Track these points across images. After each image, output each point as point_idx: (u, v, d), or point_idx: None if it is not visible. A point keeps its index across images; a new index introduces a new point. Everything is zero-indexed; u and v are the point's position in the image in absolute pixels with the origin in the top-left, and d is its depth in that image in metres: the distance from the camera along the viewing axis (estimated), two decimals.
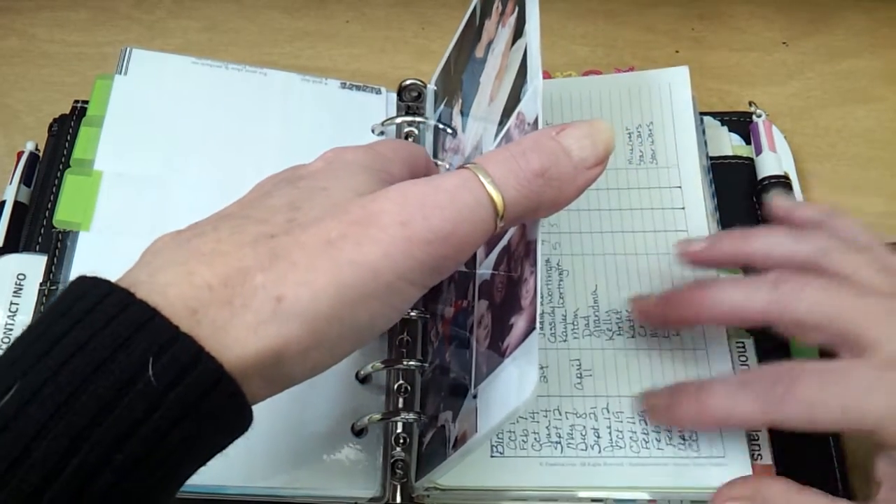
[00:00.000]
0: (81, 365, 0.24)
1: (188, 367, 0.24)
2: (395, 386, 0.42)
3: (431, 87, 0.51)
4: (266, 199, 0.30)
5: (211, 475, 0.38)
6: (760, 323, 0.37)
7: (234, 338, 0.26)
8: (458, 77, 0.46)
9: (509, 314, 0.34)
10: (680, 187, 0.46)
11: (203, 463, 0.27)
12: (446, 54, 0.49)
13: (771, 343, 0.43)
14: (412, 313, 0.43)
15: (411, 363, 0.42)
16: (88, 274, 0.26)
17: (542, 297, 0.44)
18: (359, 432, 0.41)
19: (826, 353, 0.37)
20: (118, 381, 0.24)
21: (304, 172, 0.32)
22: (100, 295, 0.25)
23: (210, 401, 0.25)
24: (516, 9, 0.39)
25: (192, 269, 0.26)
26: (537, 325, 0.31)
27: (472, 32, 0.45)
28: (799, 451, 0.42)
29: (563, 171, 0.30)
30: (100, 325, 0.24)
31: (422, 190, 0.29)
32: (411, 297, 0.30)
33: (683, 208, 0.46)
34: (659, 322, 0.42)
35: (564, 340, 0.43)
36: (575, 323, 0.43)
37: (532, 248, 0.33)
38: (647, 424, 0.40)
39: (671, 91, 0.49)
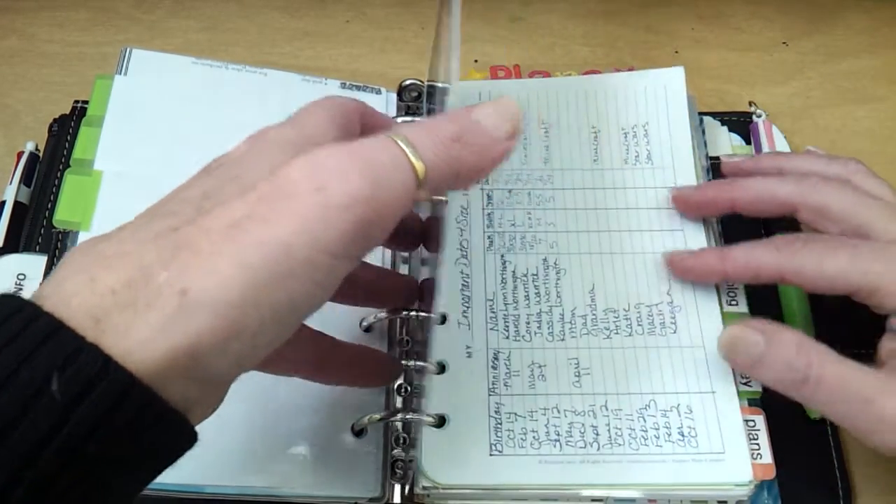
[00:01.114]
0: None
1: (95, 379, 0.23)
2: (395, 386, 0.42)
3: (425, 84, 0.51)
4: (180, 192, 0.28)
5: (211, 475, 0.39)
6: (786, 209, 0.42)
7: (141, 341, 0.24)
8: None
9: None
10: (675, 187, 0.47)
11: (149, 476, 0.26)
12: (429, 51, 0.49)
13: None
14: (412, 313, 0.43)
15: (411, 363, 0.42)
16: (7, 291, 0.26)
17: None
18: (359, 432, 0.41)
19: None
20: (21, 397, 0.23)
21: (224, 159, 0.30)
22: (10, 310, 0.24)
23: (124, 411, 0.23)
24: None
25: (95, 276, 0.25)
26: (435, 314, 0.30)
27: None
28: (799, 451, 0.43)
29: (478, 139, 0.30)
30: (3, 342, 0.23)
31: (335, 153, 0.26)
32: (338, 272, 0.27)
33: None
34: (694, 207, 0.46)
35: (562, 339, 0.43)
36: (573, 322, 0.43)
37: (437, 227, 0.32)
38: (645, 421, 0.40)
39: (667, 91, 0.49)
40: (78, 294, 0.24)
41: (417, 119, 0.36)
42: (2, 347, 0.23)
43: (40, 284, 0.26)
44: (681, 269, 0.44)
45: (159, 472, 0.26)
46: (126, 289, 0.24)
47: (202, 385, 0.26)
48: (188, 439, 0.26)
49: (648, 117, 0.49)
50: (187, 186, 0.29)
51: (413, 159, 0.27)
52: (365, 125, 0.33)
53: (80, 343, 0.23)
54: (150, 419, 0.24)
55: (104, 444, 0.23)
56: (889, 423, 0.35)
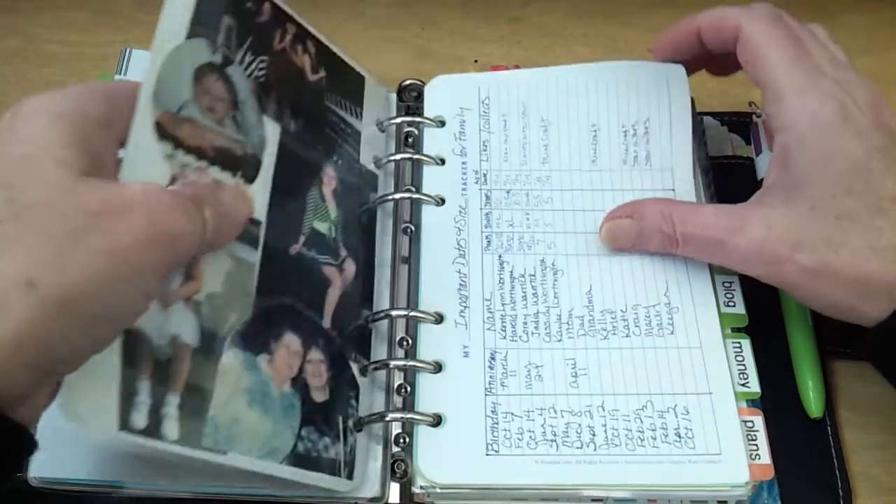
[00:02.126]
0: None
1: None
2: (395, 386, 0.42)
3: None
4: None
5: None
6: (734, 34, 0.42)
7: None
8: None
9: None
10: (673, 190, 0.46)
11: None
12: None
13: (768, 343, 0.44)
14: (411, 312, 0.43)
15: (411, 363, 0.42)
16: None
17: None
18: (358, 429, 0.41)
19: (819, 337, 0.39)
20: None
21: None
22: None
23: None
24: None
25: None
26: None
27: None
28: (799, 451, 0.42)
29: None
30: None
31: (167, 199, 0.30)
32: (160, 284, 0.31)
33: None
34: (667, 44, 0.47)
35: (559, 340, 0.43)
36: (570, 323, 0.43)
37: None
38: (642, 422, 0.40)
39: (669, 87, 0.48)
40: None
41: None
42: None
43: None
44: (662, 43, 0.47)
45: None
46: None
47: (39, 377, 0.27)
48: (28, 448, 0.27)
49: (650, 113, 0.48)
50: None
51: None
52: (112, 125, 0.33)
53: None
54: None
55: None
56: (743, 258, 0.39)
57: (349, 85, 0.48)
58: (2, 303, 0.26)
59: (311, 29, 0.46)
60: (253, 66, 0.41)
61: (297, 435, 0.38)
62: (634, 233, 0.43)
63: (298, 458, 0.37)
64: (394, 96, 0.51)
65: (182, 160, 0.35)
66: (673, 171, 0.47)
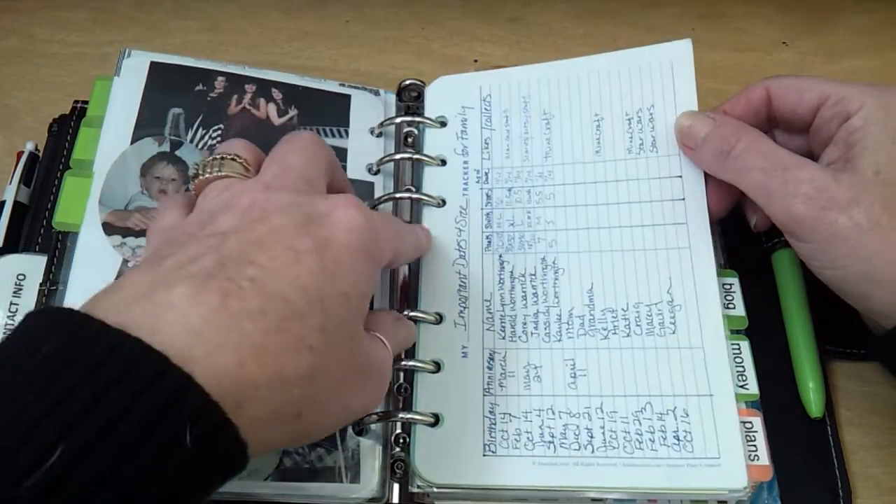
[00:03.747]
0: (125, 432, 0.24)
1: (229, 454, 0.27)
2: (395, 386, 0.42)
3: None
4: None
5: None
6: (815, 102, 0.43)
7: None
8: None
9: None
10: (681, 176, 0.45)
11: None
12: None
13: (768, 343, 0.44)
14: (411, 313, 0.43)
15: (410, 363, 0.42)
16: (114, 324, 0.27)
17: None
18: (359, 432, 0.41)
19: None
20: (160, 448, 0.25)
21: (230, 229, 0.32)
22: (134, 356, 0.26)
23: (233, 461, 0.27)
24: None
25: (244, 359, 0.27)
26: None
27: None
28: (798, 451, 0.43)
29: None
30: (140, 389, 0.25)
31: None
32: None
33: (683, 199, 0.45)
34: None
35: (559, 340, 0.42)
36: (570, 322, 0.43)
37: None
38: (640, 425, 0.40)
39: (673, 68, 0.47)
40: (227, 372, 0.27)
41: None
42: (139, 394, 0.25)
43: (175, 327, 0.27)
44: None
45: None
46: (268, 388, 0.28)
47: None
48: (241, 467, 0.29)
49: (654, 99, 0.47)
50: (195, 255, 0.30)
51: None
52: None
53: (222, 419, 0.26)
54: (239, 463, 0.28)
55: (205, 485, 0.27)
56: (798, 189, 0.39)
57: (329, 109, 0.49)
58: (284, 385, 0.29)
59: (275, 78, 0.49)
60: (206, 137, 0.46)
61: (282, 451, 0.39)
62: (706, 131, 0.43)
63: (286, 473, 0.38)
64: (392, 97, 0.51)
65: (133, 244, 0.42)
66: (680, 156, 0.45)
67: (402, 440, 0.41)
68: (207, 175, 0.36)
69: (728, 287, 0.44)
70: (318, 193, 0.35)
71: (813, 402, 0.43)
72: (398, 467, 0.40)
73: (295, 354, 0.29)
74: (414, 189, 0.47)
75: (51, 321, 0.27)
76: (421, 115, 0.49)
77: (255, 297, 0.29)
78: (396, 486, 0.40)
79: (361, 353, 0.33)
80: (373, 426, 0.41)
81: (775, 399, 0.43)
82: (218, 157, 0.36)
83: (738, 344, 0.43)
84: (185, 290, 0.28)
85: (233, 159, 0.36)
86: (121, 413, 0.24)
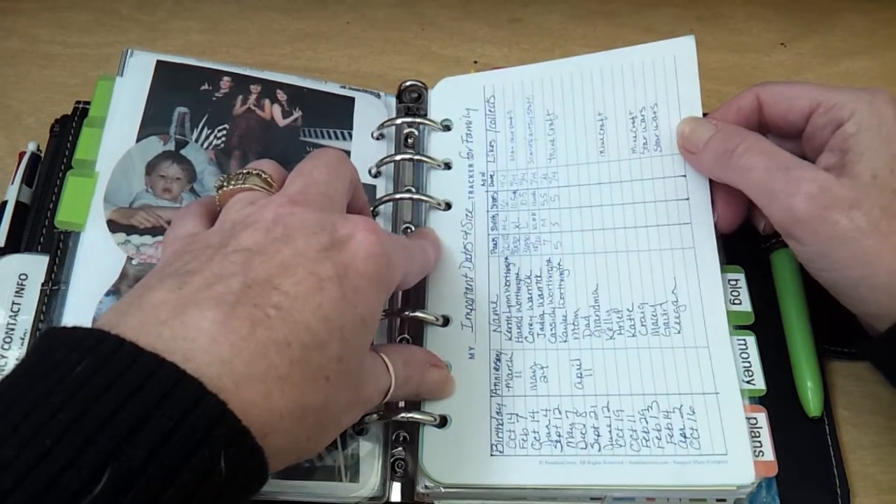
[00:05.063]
0: (168, 458, 0.25)
1: (254, 478, 0.28)
2: None
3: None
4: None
5: None
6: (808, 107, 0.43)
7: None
8: None
9: None
10: (685, 176, 0.45)
11: None
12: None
13: (767, 342, 0.44)
14: (418, 314, 0.43)
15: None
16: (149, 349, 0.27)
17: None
18: (359, 432, 0.41)
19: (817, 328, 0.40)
20: (198, 473, 0.26)
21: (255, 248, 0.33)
22: (171, 382, 0.26)
23: (257, 481, 0.29)
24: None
25: (270, 391, 0.29)
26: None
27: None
28: (797, 449, 0.43)
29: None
30: (179, 415, 0.26)
31: None
32: None
33: (688, 199, 0.45)
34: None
35: (565, 341, 0.43)
36: (575, 323, 0.43)
37: None
38: (647, 423, 0.40)
39: (676, 65, 0.47)
40: (257, 405, 0.28)
41: None
42: (178, 422, 0.26)
43: (208, 358, 0.28)
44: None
45: None
46: (291, 418, 0.30)
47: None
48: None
49: (657, 97, 0.47)
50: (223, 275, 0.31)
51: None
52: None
53: (252, 445, 0.27)
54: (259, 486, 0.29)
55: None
56: (800, 188, 0.39)
57: (333, 111, 0.49)
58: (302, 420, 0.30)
59: (280, 79, 0.49)
60: (211, 137, 0.46)
61: None
62: (707, 135, 0.43)
63: (286, 472, 0.38)
64: (392, 100, 0.51)
65: (137, 242, 0.43)
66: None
67: (402, 440, 0.41)
68: (232, 187, 0.36)
69: (734, 283, 0.44)
70: (338, 212, 0.35)
71: (811, 401, 0.44)
72: (398, 467, 0.40)
73: (314, 385, 0.30)
74: (414, 189, 0.47)
75: (80, 341, 0.27)
76: (421, 116, 0.49)
77: (281, 326, 0.29)
78: (396, 486, 0.40)
79: (365, 377, 0.35)
80: (373, 426, 0.41)
81: (774, 398, 0.43)
82: (244, 171, 0.37)
83: (745, 339, 0.43)
84: (215, 314, 0.29)
85: (258, 175, 0.37)
86: (164, 438, 0.25)
